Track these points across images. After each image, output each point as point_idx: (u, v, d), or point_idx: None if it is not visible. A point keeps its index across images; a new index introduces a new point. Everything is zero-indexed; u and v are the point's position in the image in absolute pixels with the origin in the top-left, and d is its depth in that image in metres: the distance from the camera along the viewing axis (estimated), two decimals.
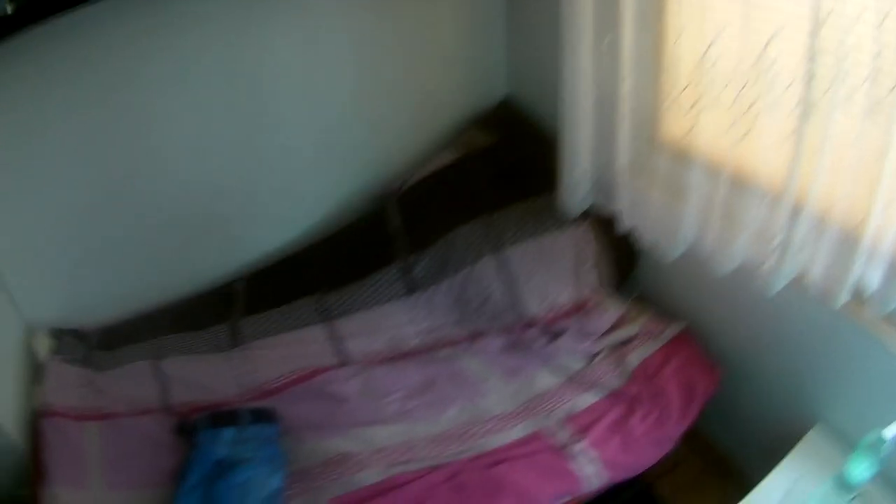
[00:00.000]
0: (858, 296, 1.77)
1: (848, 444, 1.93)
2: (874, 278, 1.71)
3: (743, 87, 1.77)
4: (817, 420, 2.10)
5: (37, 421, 2.24)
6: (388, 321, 2.61)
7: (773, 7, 1.63)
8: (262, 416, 2.26)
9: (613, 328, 2.47)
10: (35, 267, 2.59)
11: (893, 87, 1.42)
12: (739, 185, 1.93)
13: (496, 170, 2.77)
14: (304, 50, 2.67)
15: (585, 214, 2.56)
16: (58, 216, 2.55)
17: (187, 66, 2.50)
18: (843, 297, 1.75)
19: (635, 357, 2.33)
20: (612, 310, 2.51)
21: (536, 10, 2.69)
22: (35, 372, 2.45)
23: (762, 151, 1.84)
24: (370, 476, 2.09)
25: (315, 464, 2.16)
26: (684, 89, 1.96)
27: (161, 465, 2.17)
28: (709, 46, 1.81)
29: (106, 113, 2.44)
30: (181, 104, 2.56)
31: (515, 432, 2.21)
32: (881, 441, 1.68)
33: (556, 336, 2.48)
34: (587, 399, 2.26)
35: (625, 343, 2.41)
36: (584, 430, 2.16)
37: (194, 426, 2.24)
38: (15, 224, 2.48)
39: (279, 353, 2.52)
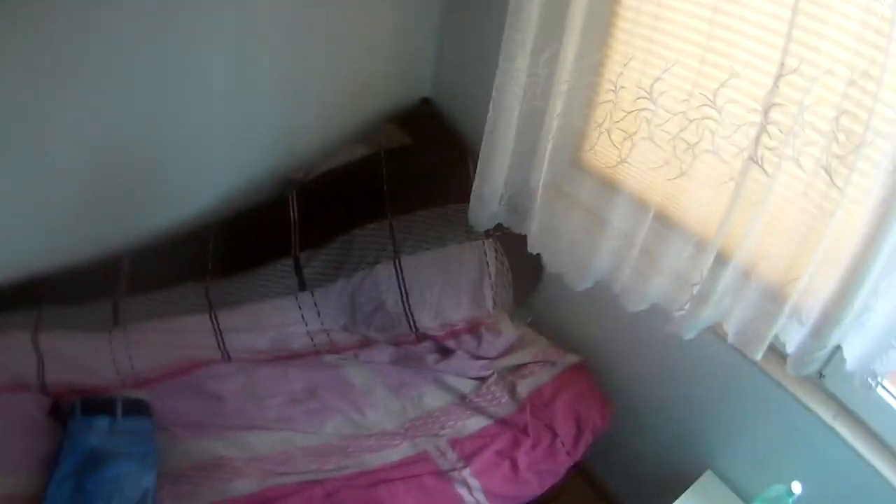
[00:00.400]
0: (774, 351, 1.76)
1: (738, 493, 1.93)
2: (794, 339, 1.68)
3: (685, 128, 1.71)
4: (709, 466, 2.09)
5: None
6: (274, 318, 2.43)
7: (735, 49, 1.58)
8: (137, 408, 2.07)
9: (507, 352, 2.39)
10: None
11: (856, 147, 1.39)
12: (665, 224, 1.89)
13: (407, 172, 2.62)
14: (232, 23, 2.45)
15: (494, 230, 2.46)
16: None
17: (109, 24, 2.25)
18: (760, 353, 1.73)
19: (527, 385, 2.26)
20: (507, 333, 2.42)
21: (472, 16, 2.59)
22: None
23: (695, 195, 1.79)
24: (245, 486, 1.93)
25: (188, 466, 1.98)
26: (622, 119, 1.89)
27: (33, 448, 1.94)
28: (655, 80, 1.75)
29: (17, 59, 2.17)
30: (96, 62, 2.30)
31: (400, 451, 2.09)
32: (789, 495, 1.66)
33: (447, 353, 2.38)
34: (475, 424, 2.17)
35: (517, 368, 2.33)
36: (469, 457, 2.06)
37: (69, 410, 2.04)
38: None
39: (160, 339, 2.30)
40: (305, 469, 2.01)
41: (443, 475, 2.01)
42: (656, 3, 1.72)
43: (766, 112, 1.49)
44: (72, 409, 2.03)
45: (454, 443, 2.11)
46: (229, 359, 2.32)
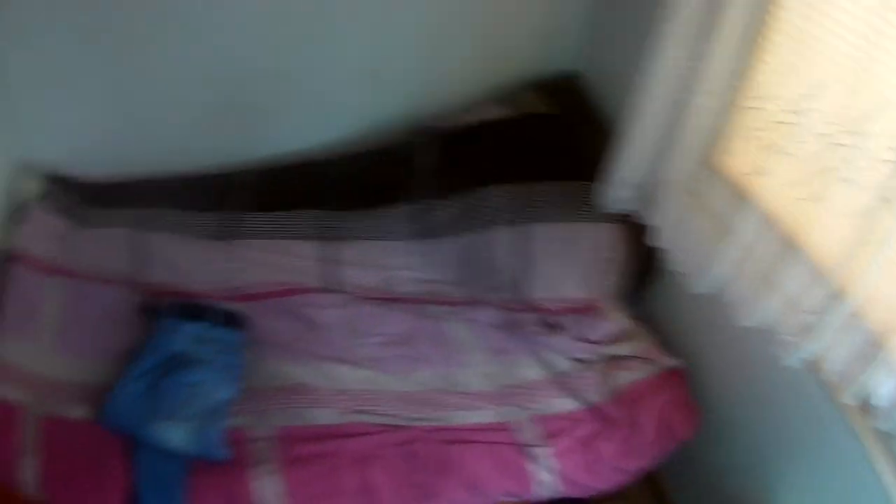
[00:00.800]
0: (864, 401, 1.65)
1: None
2: (885, 391, 1.57)
3: (824, 150, 1.60)
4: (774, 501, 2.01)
5: (6, 264, 2.18)
6: (387, 259, 2.48)
7: (892, 77, 1.46)
8: (232, 320, 2.17)
9: (611, 341, 2.33)
10: (46, 104, 2.49)
11: None
12: (789, 245, 1.79)
13: (546, 140, 2.58)
14: None
15: (622, 216, 2.38)
16: (81, 58, 2.44)
17: None
18: (849, 397, 1.62)
19: (623, 378, 2.20)
20: (615, 321, 2.36)
21: None
22: (18, 212, 2.37)
23: (822, 221, 1.69)
24: (326, 415, 2.01)
25: (271, 387, 2.08)
26: (763, 129, 1.80)
27: (115, 341, 2.11)
28: (804, 96, 1.64)
29: None
30: None
31: (483, 415, 2.11)
32: None
33: (552, 328, 2.35)
34: (564, 404, 2.15)
35: (617, 359, 2.27)
36: (552, 437, 2.05)
37: (160, 310, 2.16)
38: (35, 59, 2.39)
39: (266, 259, 2.41)
40: (387, 412, 2.07)
41: (520, 449, 2.02)
42: (818, 20, 1.61)
43: None
44: (164, 309, 2.13)
45: (539, 419, 2.10)
46: (332, 290, 2.39)
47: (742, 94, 1.90)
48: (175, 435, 1.87)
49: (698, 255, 2.04)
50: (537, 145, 2.58)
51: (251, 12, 2.49)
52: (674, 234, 2.16)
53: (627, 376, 2.21)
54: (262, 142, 2.81)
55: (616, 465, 2.06)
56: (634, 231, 2.36)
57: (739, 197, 1.91)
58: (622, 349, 2.30)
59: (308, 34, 2.60)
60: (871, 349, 1.56)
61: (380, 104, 2.85)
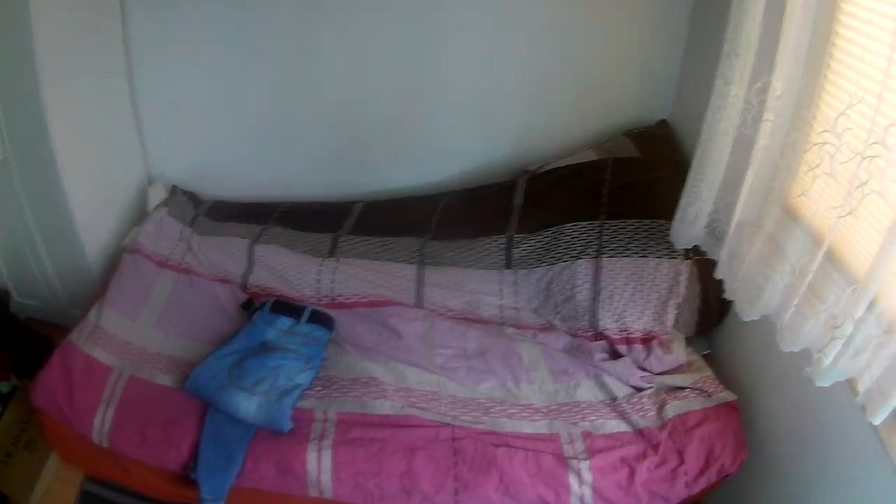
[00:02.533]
0: None
1: None
2: None
3: (859, 165, 1.60)
4: None
5: (124, 254, 2.46)
6: (474, 285, 2.61)
7: None
8: (321, 319, 2.35)
9: (670, 372, 2.34)
10: (175, 129, 2.84)
11: None
12: (832, 265, 1.76)
13: (629, 181, 2.68)
14: (491, 17, 2.73)
15: (695, 253, 2.41)
16: (212, 91, 2.78)
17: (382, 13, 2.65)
18: (882, 416, 1.55)
19: (676, 407, 2.18)
20: (677, 353, 2.37)
21: (712, 42, 2.53)
22: (141, 217, 2.68)
23: (861, 236, 1.66)
24: (385, 407, 2.12)
25: (345, 378, 2.22)
26: (807, 151, 1.80)
27: (213, 327, 2.32)
28: (839, 114, 1.66)
29: (289, 11, 2.64)
30: (362, 28, 2.70)
31: (535, 426, 2.16)
32: None
33: (615, 356, 2.39)
34: (613, 425, 2.16)
35: (674, 389, 2.27)
36: (594, 452, 2.06)
37: (258, 306, 2.37)
38: (170, 86, 2.74)
39: (365, 276, 2.59)
40: (445, 412, 2.15)
41: (562, 459, 2.04)
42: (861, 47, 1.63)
43: None
44: (262, 304, 2.35)
45: (587, 435, 2.12)
46: (421, 307, 2.53)
47: (796, 124, 1.91)
48: (248, 405, 2.03)
49: (750, 283, 2.03)
50: (618, 186, 2.67)
51: (374, 64, 2.77)
52: (731, 264, 2.15)
53: (680, 406, 2.19)
54: (373, 178, 3.06)
55: (652, 489, 2.03)
56: (705, 267, 2.37)
57: (791, 220, 1.90)
58: (680, 380, 2.30)
59: (421, 87, 2.85)
60: None
61: (487, 149, 3.06)
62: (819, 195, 1.77)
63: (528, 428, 2.15)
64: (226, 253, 2.62)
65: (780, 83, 1.85)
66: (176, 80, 2.73)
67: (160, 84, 2.73)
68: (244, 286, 2.53)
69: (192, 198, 2.89)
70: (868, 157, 1.56)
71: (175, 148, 2.88)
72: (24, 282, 2.67)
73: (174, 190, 2.86)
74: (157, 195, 2.79)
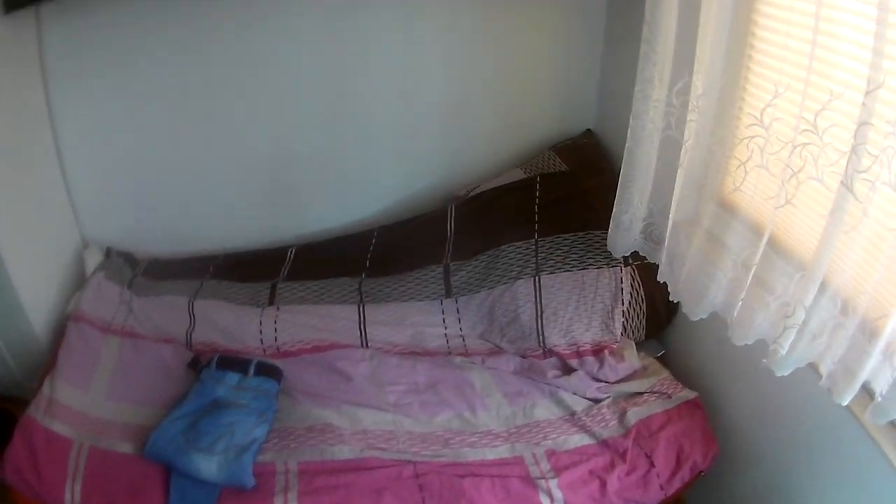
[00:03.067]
0: (868, 397, 1.58)
1: None
2: (884, 381, 1.51)
3: (791, 154, 1.61)
4: None
5: (68, 322, 2.34)
6: (417, 317, 2.56)
7: (834, 69, 1.48)
8: (268, 371, 2.28)
9: (626, 379, 2.33)
10: (104, 191, 2.73)
11: None
12: (776, 254, 1.77)
13: (558, 196, 2.68)
14: (405, 45, 2.71)
15: (634, 259, 2.43)
16: (137, 150, 2.69)
17: (293, 34, 2.60)
18: (850, 395, 1.55)
19: (637, 413, 2.18)
20: (630, 360, 2.37)
21: (630, 48, 2.56)
22: (80, 282, 2.56)
23: (802, 223, 1.68)
24: (344, 451, 2.05)
25: (300, 427, 2.14)
26: (737, 145, 1.82)
27: (164, 391, 2.22)
28: (766, 106, 1.67)
29: (207, 61, 2.58)
30: (279, 70, 2.65)
31: (497, 452, 2.11)
32: None
33: (568, 371, 2.37)
34: (577, 440, 2.13)
35: (633, 396, 2.26)
36: (560, 470, 2.02)
37: (205, 363, 2.29)
38: (96, 149, 2.64)
39: (307, 322, 2.52)
40: (404, 449, 2.09)
41: (530, 481, 1.99)
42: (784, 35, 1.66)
43: (856, 133, 1.38)
44: (208, 362, 2.27)
45: (550, 454, 2.08)
46: (366, 346, 2.46)
47: (720, 120, 1.93)
48: (209, 465, 1.95)
49: (694, 282, 2.03)
50: (549, 202, 2.67)
51: (295, 104, 2.71)
52: (672, 266, 2.16)
53: (642, 411, 2.18)
54: (304, 220, 2.99)
55: (627, 497, 2.00)
56: (646, 272, 2.38)
57: (728, 217, 1.91)
58: (637, 386, 2.29)
59: (342, 122, 2.80)
60: (863, 340, 1.51)
61: (414, 178, 3.02)
62: (753, 188, 1.79)
63: (490, 454, 2.10)
64: (167, 313, 2.52)
65: (701, 81, 1.86)
66: (100, 140, 2.64)
67: (85, 144, 2.62)
68: (189, 344, 2.44)
69: (128, 258, 2.79)
70: (800, 144, 1.57)
71: (106, 208, 2.77)
72: None
73: (109, 252, 2.75)
74: (93, 258, 2.68)
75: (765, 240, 1.74)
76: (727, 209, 1.95)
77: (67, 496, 1.88)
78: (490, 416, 2.24)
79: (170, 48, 2.53)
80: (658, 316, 2.47)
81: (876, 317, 1.49)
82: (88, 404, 2.14)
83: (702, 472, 2.09)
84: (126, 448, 2.02)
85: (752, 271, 1.80)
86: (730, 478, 2.20)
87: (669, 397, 2.22)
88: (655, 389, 2.26)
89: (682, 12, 1.88)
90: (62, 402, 2.11)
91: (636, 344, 2.46)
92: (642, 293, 2.44)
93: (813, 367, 1.72)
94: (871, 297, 1.49)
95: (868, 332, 1.51)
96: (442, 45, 2.73)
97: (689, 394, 2.23)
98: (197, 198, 2.85)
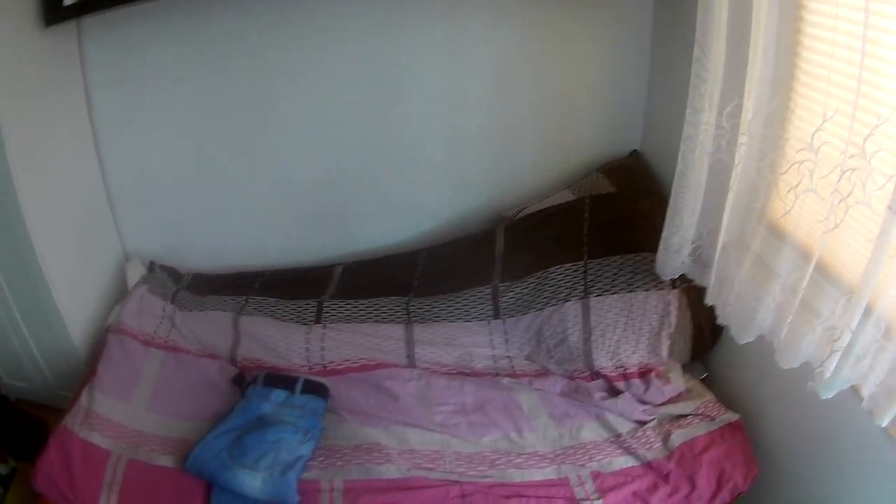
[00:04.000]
0: None
1: None
2: None
3: (840, 178, 1.60)
4: None
5: (105, 335, 2.40)
6: (465, 338, 2.58)
7: (883, 93, 1.47)
8: (315, 389, 2.30)
9: (672, 401, 2.32)
10: (147, 205, 2.81)
11: None
12: (824, 278, 1.75)
13: (608, 218, 2.67)
14: (449, 65, 2.74)
15: (682, 282, 2.41)
16: (180, 165, 2.76)
17: (336, 54, 2.63)
18: (890, 416, 1.53)
19: (681, 435, 2.17)
20: (675, 383, 2.36)
21: (676, 69, 2.57)
22: (121, 295, 2.63)
23: (849, 248, 1.66)
24: (391, 471, 2.06)
25: (346, 445, 2.16)
26: (787, 170, 1.81)
27: (206, 405, 2.26)
28: (816, 130, 1.66)
29: (251, 79, 2.63)
30: (322, 89, 2.70)
31: (543, 473, 2.11)
32: None
33: (615, 393, 2.36)
34: (621, 462, 2.13)
35: (677, 418, 2.25)
36: (605, 491, 2.02)
37: (250, 380, 2.31)
38: (138, 162, 2.71)
39: (354, 340, 2.55)
40: (451, 470, 2.10)
41: (574, 502, 2.00)
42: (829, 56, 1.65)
43: None
44: (255, 378, 2.29)
45: (596, 475, 2.08)
46: (413, 366, 2.49)
47: (772, 143, 1.92)
48: (253, 482, 1.96)
49: (743, 305, 2.01)
50: (598, 224, 2.67)
51: (343, 124, 2.77)
52: (721, 289, 2.14)
53: (685, 433, 2.17)
54: (350, 239, 3.03)
55: None
56: (698, 296, 2.35)
57: (777, 241, 1.89)
58: (682, 408, 2.28)
59: (391, 143, 2.84)
60: None
61: (463, 199, 3.04)
62: (802, 211, 1.77)
63: (536, 475, 2.10)
64: (211, 328, 2.56)
65: (752, 104, 1.85)
66: (144, 154, 2.71)
67: (129, 159, 2.69)
68: (233, 360, 2.47)
69: (171, 273, 2.85)
70: (849, 168, 1.56)
71: (149, 223, 2.85)
72: (9, 364, 2.61)
73: (152, 266, 2.81)
74: (135, 272, 2.74)
75: (812, 264, 1.73)
76: (776, 233, 1.93)
77: None
78: (537, 438, 2.24)
79: (215, 65, 2.59)
80: (703, 338, 2.45)
81: None
82: (128, 416, 2.18)
83: (742, 493, 2.07)
84: (166, 461, 2.05)
85: (800, 295, 1.78)
86: (769, 499, 2.17)
87: (713, 419, 2.21)
88: (699, 412, 2.24)
89: (731, 36, 1.87)
90: (101, 413, 2.15)
91: (681, 366, 2.44)
92: (689, 316, 2.42)
93: (854, 389, 1.69)
94: None
95: None
96: (486, 66, 2.75)
97: (732, 416, 2.21)
98: (239, 216, 2.91)
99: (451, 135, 2.86)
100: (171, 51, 2.54)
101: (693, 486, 2.03)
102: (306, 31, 2.57)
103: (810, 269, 1.74)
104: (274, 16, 2.52)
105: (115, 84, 2.57)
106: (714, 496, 2.03)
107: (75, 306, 2.47)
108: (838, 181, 1.60)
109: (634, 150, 3.00)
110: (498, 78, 2.78)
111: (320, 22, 2.57)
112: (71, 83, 2.51)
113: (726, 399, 2.31)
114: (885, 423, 1.55)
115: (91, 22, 2.41)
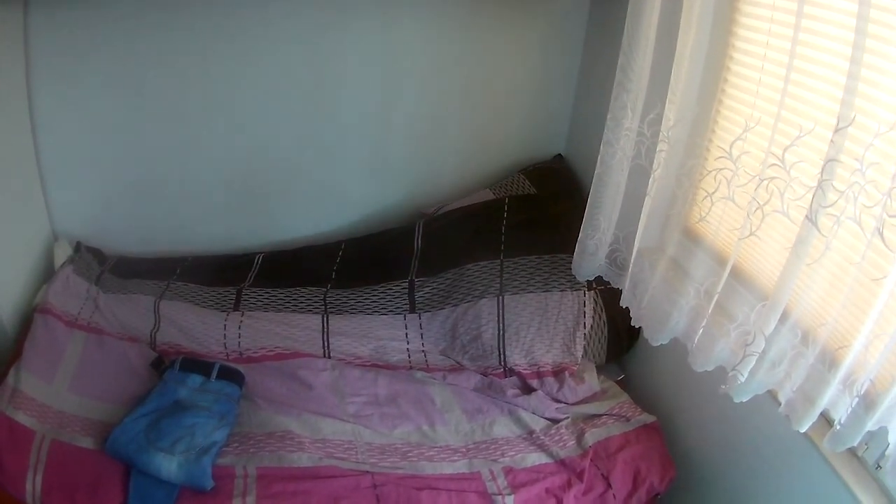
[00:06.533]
0: (825, 424, 1.57)
1: None
2: (843, 410, 1.49)
3: (757, 187, 1.60)
4: None
5: (35, 315, 2.27)
6: (380, 331, 2.51)
7: (805, 106, 1.49)
8: (230, 375, 2.22)
9: (585, 401, 2.31)
10: (78, 186, 2.66)
11: None
12: (739, 283, 1.76)
13: (526, 218, 2.66)
14: (382, 59, 2.68)
15: (598, 284, 2.41)
16: (113, 148, 2.63)
17: (272, 44, 2.56)
18: (808, 422, 1.54)
19: (595, 434, 2.16)
20: (590, 383, 2.35)
21: (603, 76, 2.58)
22: (49, 275, 2.49)
23: (766, 255, 1.67)
24: (303, 459, 2.00)
25: (260, 432, 2.08)
26: (705, 177, 1.81)
27: (126, 388, 2.16)
28: (735, 139, 1.67)
29: (186, 66, 2.54)
30: (256, 77, 2.61)
31: (455, 466, 2.07)
32: None
33: (528, 391, 2.34)
34: (534, 458, 2.10)
35: (591, 417, 2.24)
36: (517, 487, 1.99)
37: (168, 364, 2.23)
38: (70, 143, 2.57)
39: (271, 329, 2.46)
40: (363, 460, 2.04)
41: (487, 497, 1.96)
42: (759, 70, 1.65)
43: (823, 169, 1.37)
44: (172, 363, 2.21)
45: (508, 471, 2.04)
46: (328, 356, 2.41)
47: (691, 152, 1.92)
48: (169, 466, 1.89)
49: (657, 308, 2.01)
50: (516, 224, 2.65)
51: (269, 113, 2.68)
52: (635, 292, 2.14)
53: (600, 433, 2.17)
54: (273, 228, 2.94)
55: None
56: (609, 296, 2.36)
57: (692, 245, 1.90)
58: (596, 408, 2.27)
59: (316, 134, 2.76)
60: (822, 370, 1.50)
61: (380, 194, 2.98)
62: (719, 219, 1.78)
63: (448, 469, 2.06)
64: (132, 311, 2.46)
65: (674, 113, 1.85)
66: (78, 135, 2.56)
67: (62, 140, 2.55)
68: (153, 344, 2.38)
69: (97, 254, 2.71)
70: (767, 178, 1.57)
71: (78, 204, 2.70)
72: None
73: (79, 247, 2.67)
74: (62, 252, 2.61)
75: (728, 269, 1.73)
76: (692, 238, 1.95)
77: (29, 488, 1.82)
78: (449, 432, 2.20)
79: (150, 51, 2.48)
80: (619, 340, 2.46)
81: (836, 347, 1.49)
82: (52, 397, 2.08)
83: (658, 494, 2.07)
84: (87, 443, 1.96)
85: (715, 299, 1.79)
86: (687, 500, 2.19)
87: (628, 420, 2.21)
88: (614, 412, 2.24)
89: (658, 44, 1.88)
90: (26, 392, 2.04)
91: (597, 367, 2.45)
92: (604, 317, 2.42)
93: (772, 394, 1.71)
94: (832, 327, 1.49)
95: (828, 361, 1.50)
96: (418, 62, 2.71)
97: (648, 418, 2.22)
98: (168, 199, 2.80)
99: (377, 130, 2.80)
100: (111, 32, 2.42)
101: (608, 485, 2.02)
102: (243, 21, 2.49)
103: (725, 275, 1.75)
104: (211, 7, 2.44)
105: (55, 65, 2.43)
106: (630, 496, 2.02)
107: (2, 285, 2.33)
108: (756, 190, 1.61)
109: (558, 154, 3.01)
110: (427, 77, 2.75)
111: (255, 15, 2.49)
112: (11, 60, 2.36)
113: (644, 401, 2.32)
114: (803, 429, 1.55)
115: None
